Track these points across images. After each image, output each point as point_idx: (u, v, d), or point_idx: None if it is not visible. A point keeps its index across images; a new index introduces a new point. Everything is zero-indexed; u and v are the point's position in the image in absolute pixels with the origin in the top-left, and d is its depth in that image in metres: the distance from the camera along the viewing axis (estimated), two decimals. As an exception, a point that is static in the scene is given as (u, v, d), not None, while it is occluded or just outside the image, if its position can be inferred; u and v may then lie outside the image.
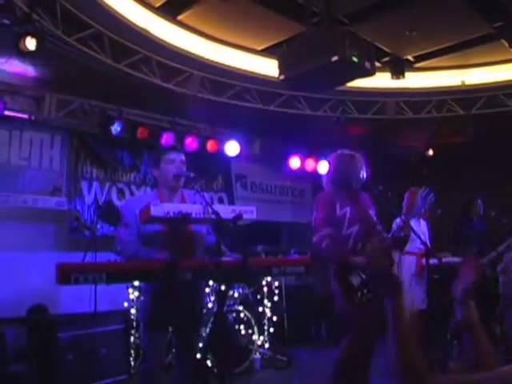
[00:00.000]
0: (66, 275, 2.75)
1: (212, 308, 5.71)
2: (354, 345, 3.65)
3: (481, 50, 6.64)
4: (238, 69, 6.89)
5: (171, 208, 3.08)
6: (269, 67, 6.61)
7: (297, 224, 8.42)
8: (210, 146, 7.90)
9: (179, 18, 5.98)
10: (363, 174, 3.96)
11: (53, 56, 5.53)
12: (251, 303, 6.42)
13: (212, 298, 5.75)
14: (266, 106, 7.58)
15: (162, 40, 6.11)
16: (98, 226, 7.06)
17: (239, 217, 3.21)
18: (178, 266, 2.97)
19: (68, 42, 5.52)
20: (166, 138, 7.34)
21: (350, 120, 7.97)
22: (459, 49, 6.63)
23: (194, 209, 3.19)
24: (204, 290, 4.49)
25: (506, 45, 6.32)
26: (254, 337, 6.07)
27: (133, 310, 5.80)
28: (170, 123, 7.70)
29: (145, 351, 3.53)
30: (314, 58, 4.54)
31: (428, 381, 1.43)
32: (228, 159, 8.54)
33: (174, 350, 3.90)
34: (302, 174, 9.29)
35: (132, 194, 7.56)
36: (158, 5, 5.73)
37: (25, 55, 5.11)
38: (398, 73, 6.78)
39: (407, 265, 5.36)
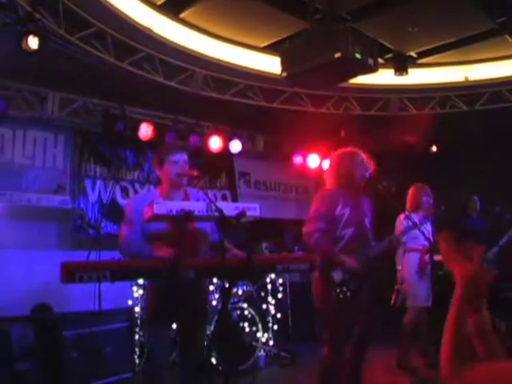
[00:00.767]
0: (70, 274, 2.75)
1: (216, 305, 5.72)
2: (334, 349, 3.76)
3: (484, 46, 6.61)
4: (241, 66, 6.88)
5: (174, 206, 3.08)
6: (271, 64, 6.59)
7: (301, 221, 8.34)
8: (214, 143, 7.91)
9: (181, 15, 5.97)
10: (367, 172, 3.97)
11: (55, 55, 5.54)
12: (255, 300, 6.43)
13: (216, 296, 5.76)
14: (269, 103, 7.58)
15: (165, 38, 6.10)
16: (102, 225, 7.07)
17: (243, 214, 3.20)
18: (182, 263, 2.96)
19: (71, 41, 5.53)
20: (169, 136, 7.35)
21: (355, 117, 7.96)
22: (462, 44, 6.61)
23: (197, 206, 3.18)
24: (208, 288, 4.49)
25: (510, 40, 6.31)
26: (259, 334, 6.08)
27: (137, 308, 5.82)
28: (174, 121, 7.71)
29: (149, 349, 3.54)
30: (316, 55, 4.54)
31: (468, 369, 1.42)
32: (231, 157, 8.55)
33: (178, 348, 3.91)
34: (305, 171, 9.29)
35: (136, 192, 7.57)
36: (160, 3, 5.72)
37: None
38: (401, 69, 6.76)
39: (411, 261, 5.34)
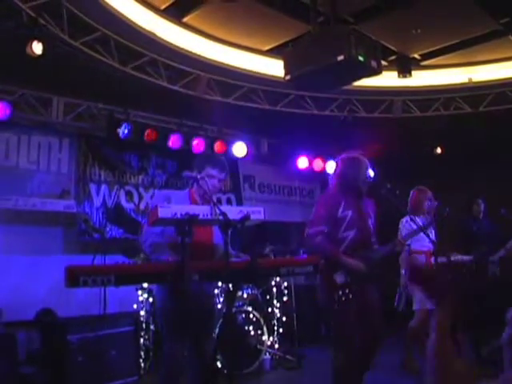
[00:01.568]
0: (75, 278, 2.76)
1: (221, 309, 5.71)
2: (346, 352, 3.71)
3: (487, 47, 6.59)
4: (245, 69, 6.89)
5: (179, 209, 3.08)
6: (275, 67, 6.60)
7: (305, 224, 8.39)
8: (218, 147, 7.91)
9: (185, 19, 5.98)
10: (369, 176, 3.98)
11: (60, 60, 5.56)
12: (260, 304, 6.42)
13: (221, 299, 5.76)
14: (272, 106, 7.58)
15: (168, 42, 6.12)
16: (107, 229, 7.09)
17: (247, 217, 3.20)
18: (186, 268, 2.96)
19: (74, 46, 5.55)
20: (174, 140, 7.36)
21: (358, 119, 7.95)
22: (466, 46, 6.59)
23: (202, 210, 3.19)
24: (213, 292, 4.49)
25: (513, 41, 6.28)
26: (264, 337, 6.07)
27: (142, 312, 5.81)
28: (178, 125, 7.72)
29: (165, 357, 3.50)
30: (319, 58, 4.54)
31: None
32: (236, 160, 8.55)
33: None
34: (310, 173, 9.28)
35: (140, 196, 7.58)
36: (163, 7, 5.74)
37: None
38: (404, 71, 6.76)
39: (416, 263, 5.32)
